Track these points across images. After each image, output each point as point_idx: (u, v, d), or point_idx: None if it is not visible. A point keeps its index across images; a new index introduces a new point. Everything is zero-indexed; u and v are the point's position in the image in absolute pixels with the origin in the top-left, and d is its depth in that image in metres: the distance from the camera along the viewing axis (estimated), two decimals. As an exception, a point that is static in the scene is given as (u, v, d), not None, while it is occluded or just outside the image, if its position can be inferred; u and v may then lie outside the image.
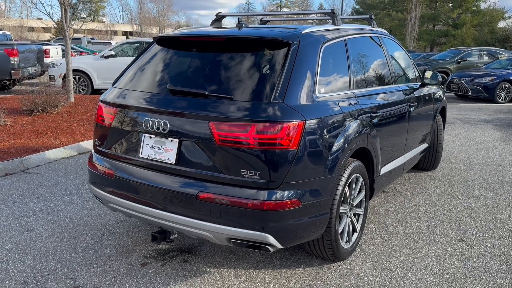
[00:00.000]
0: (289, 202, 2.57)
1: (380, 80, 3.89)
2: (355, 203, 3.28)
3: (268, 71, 2.75)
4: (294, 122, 2.56)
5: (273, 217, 2.54)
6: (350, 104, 3.13)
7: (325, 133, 2.77)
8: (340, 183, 2.93)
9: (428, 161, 5.45)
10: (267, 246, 2.63)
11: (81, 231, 3.67)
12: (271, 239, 2.57)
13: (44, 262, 3.15)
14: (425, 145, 5.04)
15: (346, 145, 2.93)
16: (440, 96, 5.35)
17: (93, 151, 3.31)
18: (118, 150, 3.05)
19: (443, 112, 5.61)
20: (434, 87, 5.20)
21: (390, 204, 4.41)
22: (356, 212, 3.34)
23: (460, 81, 13.39)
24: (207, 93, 2.70)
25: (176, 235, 3.08)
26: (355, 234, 3.33)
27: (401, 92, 4.13)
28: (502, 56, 16.29)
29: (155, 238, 2.98)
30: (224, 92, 2.69)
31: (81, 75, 11.74)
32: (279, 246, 2.64)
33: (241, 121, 2.56)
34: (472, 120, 9.63)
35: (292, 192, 2.59)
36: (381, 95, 3.71)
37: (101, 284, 2.89)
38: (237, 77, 2.76)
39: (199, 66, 3.02)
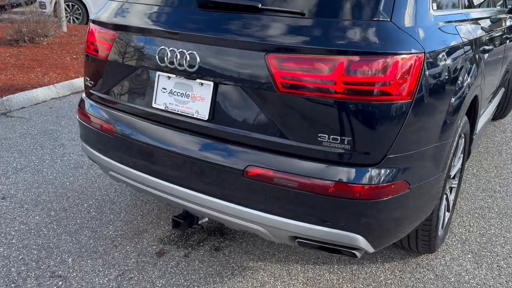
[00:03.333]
0: (393, 186, 1.62)
1: (484, 1, 2.80)
2: (452, 174, 2.34)
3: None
4: (411, 55, 1.55)
5: (370, 209, 1.60)
6: (467, 30, 2.09)
7: (447, 74, 1.76)
8: (451, 150, 1.97)
9: (498, 109, 4.44)
10: (353, 251, 1.72)
11: (74, 200, 2.78)
12: (362, 242, 1.65)
13: (23, 249, 2.29)
14: (502, 90, 4.02)
15: (466, 93, 1.93)
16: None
17: (84, 95, 2.33)
18: (120, 95, 2.06)
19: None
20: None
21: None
22: (452, 185, 2.41)
23: None
24: (260, 6, 1.66)
25: (206, 220, 2.18)
26: (447, 214, 2.43)
27: (502, 19, 3.05)
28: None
29: (177, 225, 2.08)
30: (291, 5, 1.65)
31: (75, 2, 10.41)
32: (371, 250, 1.73)
33: (320, 53, 1.54)
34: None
35: (398, 169, 1.64)
36: (487, 22, 2.65)
37: (101, 287, 2.04)
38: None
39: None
